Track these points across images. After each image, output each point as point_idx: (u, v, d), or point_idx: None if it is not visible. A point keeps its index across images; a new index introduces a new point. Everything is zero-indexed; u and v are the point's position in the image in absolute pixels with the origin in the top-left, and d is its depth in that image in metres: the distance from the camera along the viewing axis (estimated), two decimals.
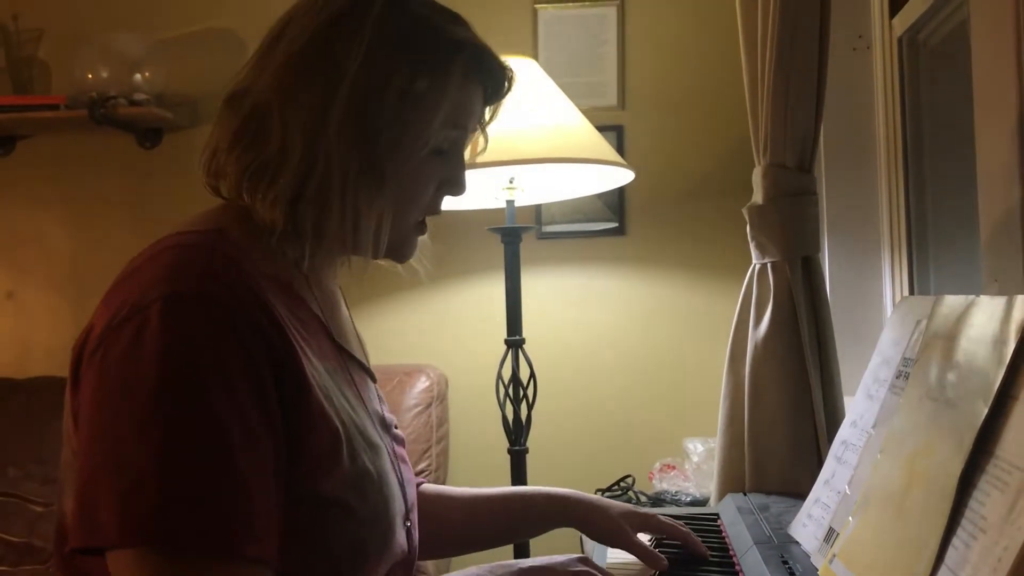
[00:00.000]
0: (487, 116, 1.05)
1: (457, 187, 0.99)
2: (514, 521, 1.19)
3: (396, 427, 1.08)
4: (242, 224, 0.89)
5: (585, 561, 0.94)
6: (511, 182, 2.00)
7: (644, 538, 1.13)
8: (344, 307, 1.06)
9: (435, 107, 0.91)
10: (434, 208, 0.99)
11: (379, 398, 1.07)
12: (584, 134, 1.96)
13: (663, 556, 1.07)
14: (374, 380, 1.07)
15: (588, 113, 2.04)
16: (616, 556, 1.17)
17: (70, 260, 2.67)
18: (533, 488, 1.21)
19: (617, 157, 2.00)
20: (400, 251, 0.98)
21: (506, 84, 1.01)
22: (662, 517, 1.17)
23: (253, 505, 0.75)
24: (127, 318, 0.77)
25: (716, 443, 1.63)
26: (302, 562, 0.82)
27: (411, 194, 0.94)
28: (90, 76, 2.45)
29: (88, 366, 0.79)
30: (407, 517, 0.99)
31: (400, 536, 0.94)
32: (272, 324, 0.81)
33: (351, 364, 0.99)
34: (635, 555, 1.10)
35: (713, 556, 1.13)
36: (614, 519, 1.13)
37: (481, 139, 1.07)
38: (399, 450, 1.04)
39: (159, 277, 0.79)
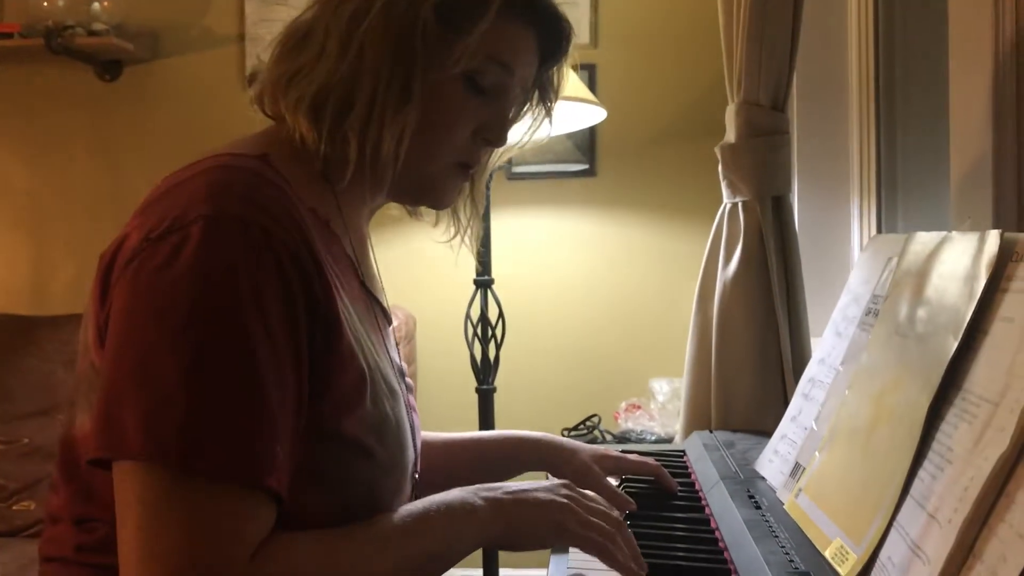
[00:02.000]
0: (552, 83, 1.03)
1: (496, 135, 0.96)
2: (489, 465, 1.20)
3: (407, 376, 1.07)
4: (287, 151, 0.87)
5: (568, 486, 0.94)
6: None
7: (613, 481, 1.15)
8: (371, 251, 1.05)
9: (469, 26, 0.88)
10: (472, 156, 0.97)
11: (395, 345, 1.06)
12: None
13: (630, 498, 1.08)
14: (391, 324, 1.06)
15: None
16: None
17: (27, 194, 2.61)
18: (504, 432, 1.22)
19: (589, 95, 1.97)
20: (435, 191, 0.97)
21: (563, 42, 0.99)
22: (632, 456, 1.18)
23: (277, 436, 0.74)
24: (167, 232, 0.75)
25: (683, 381, 1.64)
26: (316, 503, 0.81)
27: (439, 122, 0.91)
28: (46, 4, 2.38)
29: (121, 277, 0.77)
30: (415, 466, 0.99)
31: (408, 487, 0.94)
32: (311, 257, 0.79)
33: (376, 308, 0.98)
34: (604, 496, 1.12)
35: (680, 491, 1.14)
36: (584, 462, 1.14)
37: (547, 120, 1.06)
38: (411, 399, 1.04)
39: (204, 195, 0.77)
